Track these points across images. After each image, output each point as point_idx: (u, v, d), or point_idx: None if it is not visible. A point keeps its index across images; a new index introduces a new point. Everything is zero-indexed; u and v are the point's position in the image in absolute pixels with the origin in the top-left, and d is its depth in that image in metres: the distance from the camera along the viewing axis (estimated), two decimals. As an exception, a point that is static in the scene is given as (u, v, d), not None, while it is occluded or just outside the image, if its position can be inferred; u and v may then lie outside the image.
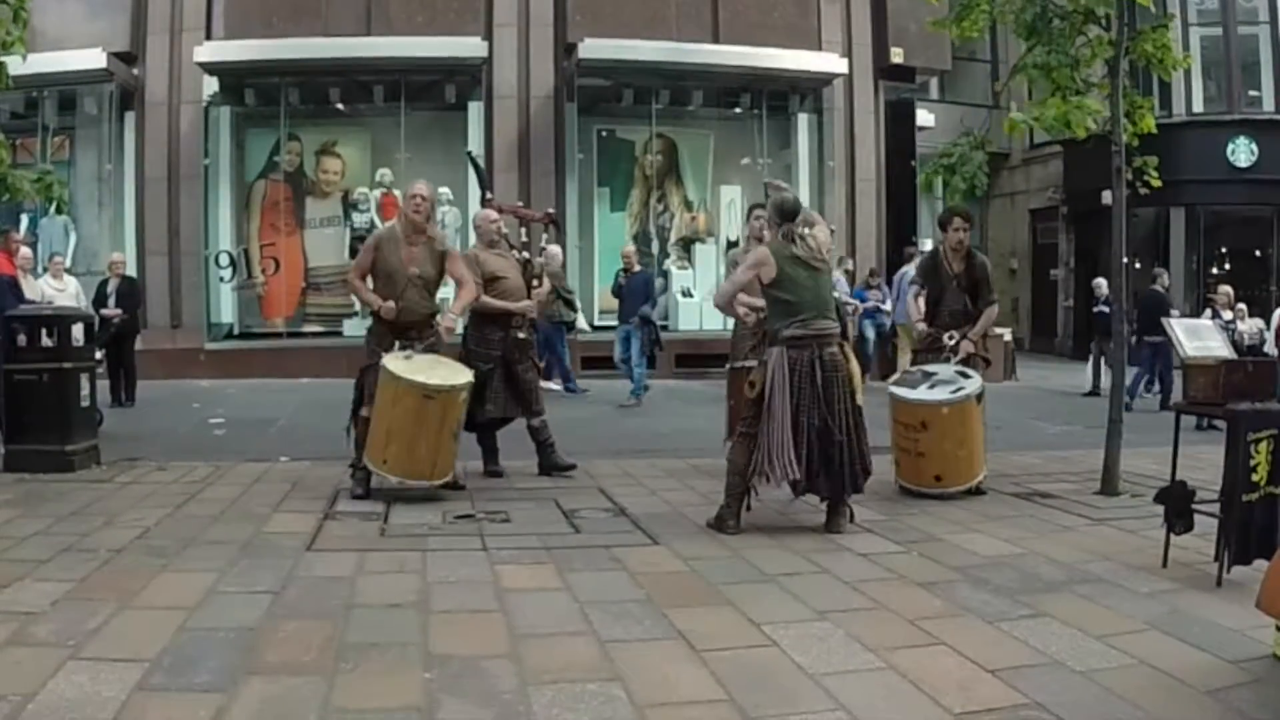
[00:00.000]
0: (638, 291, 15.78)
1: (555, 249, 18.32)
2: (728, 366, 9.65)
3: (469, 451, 9.09)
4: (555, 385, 16.18)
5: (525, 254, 9.78)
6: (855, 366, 7.41)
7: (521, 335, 9.27)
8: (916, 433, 8.47)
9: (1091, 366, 18.50)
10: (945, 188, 8.99)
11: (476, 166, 11.40)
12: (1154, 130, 9.41)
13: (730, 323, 9.98)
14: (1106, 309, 18.18)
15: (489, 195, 10.12)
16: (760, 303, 8.87)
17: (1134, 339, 17.55)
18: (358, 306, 18.19)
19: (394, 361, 7.98)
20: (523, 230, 9.99)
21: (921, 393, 8.60)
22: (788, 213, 7.44)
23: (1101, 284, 18.74)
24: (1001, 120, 9.23)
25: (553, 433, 9.37)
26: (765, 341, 7.52)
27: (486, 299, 8.93)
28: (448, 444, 8.13)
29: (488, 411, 9.06)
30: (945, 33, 11.15)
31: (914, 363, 9.45)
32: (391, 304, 8.21)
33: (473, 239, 19.12)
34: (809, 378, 7.04)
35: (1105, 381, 17.71)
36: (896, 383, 9.05)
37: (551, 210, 13.80)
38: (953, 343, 8.94)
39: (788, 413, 7.01)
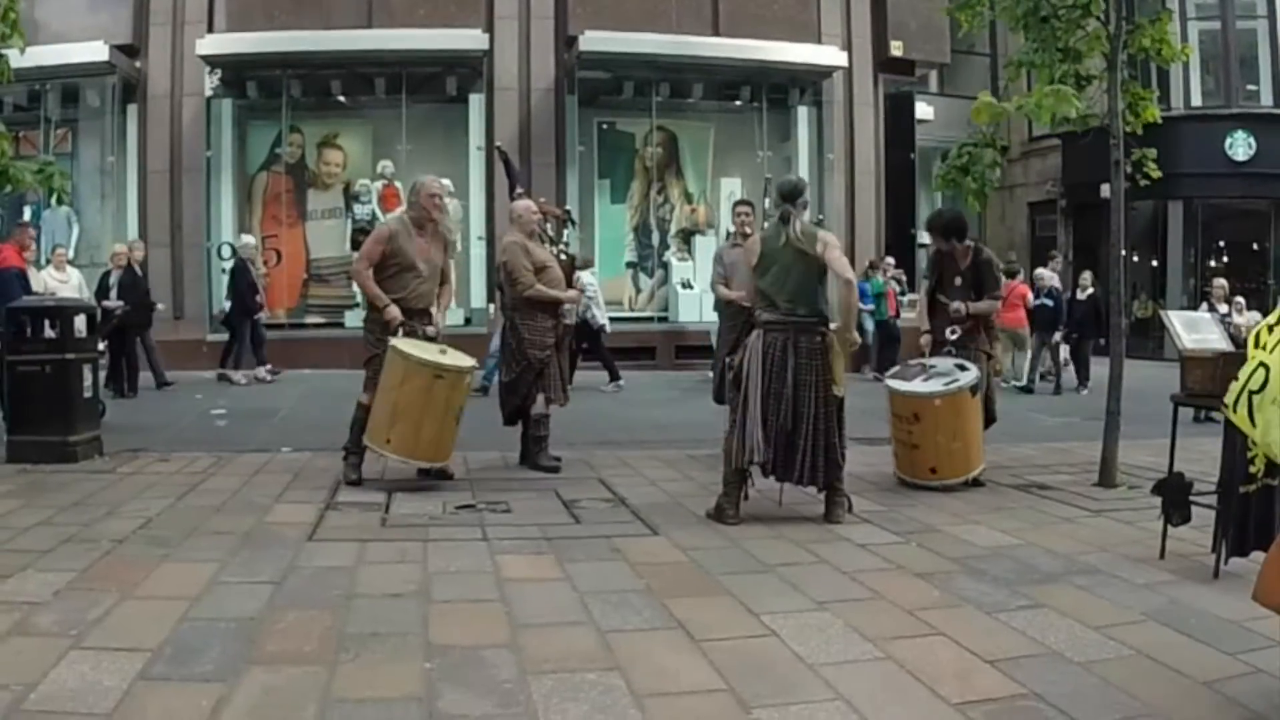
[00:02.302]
0: None
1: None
2: (725, 360, 9.69)
3: (465, 444, 9.12)
4: None
5: (560, 246, 9.86)
6: (838, 359, 7.35)
7: (568, 322, 9.44)
8: (910, 425, 8.49)
9: (1031, 360, 18.31)
10: (959, 188, 9.03)
11: (507, 161, 11.48)
12: (1157, 119, 9.44)
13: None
14: (1050, 302, 18.04)
15: (519, 190, 10.18)
16: (741, 294, 9.06)
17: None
18: (359, 298, 18.27)
19: (403, 343, 8.07)
20: (548, 225, 10.10)
21: (915, 385, 8.62)
22: (786, 193, 7.46)
23: (1044, 275, 18.59)
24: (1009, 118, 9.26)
25: (553, 424, 9.40)
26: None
27: (540, 288, 9.03)
28: (450, 427, 8.25)
29: (549, 400, 9.19)
30: (948, 21, 11.19)
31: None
32: (397, 311, 8.24)
33: (474, 231, 19.43)
34: (781, 363, 7.08)
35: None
36: (893, 375, 9.08)
37: (569, 209, 13.90)
38: (954, 337, 8.95)
39: (758, 394, 7.05)
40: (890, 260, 20.60)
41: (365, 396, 8.31)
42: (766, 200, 16.40)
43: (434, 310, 8.67)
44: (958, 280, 9.08)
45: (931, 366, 8.81)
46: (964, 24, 9.84)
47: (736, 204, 10.98)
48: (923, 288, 9.76)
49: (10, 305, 9.72)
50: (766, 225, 7.64)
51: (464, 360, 8.35)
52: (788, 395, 7.07)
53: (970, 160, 9.76)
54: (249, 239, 17.24)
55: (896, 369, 9.34)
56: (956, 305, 8.88)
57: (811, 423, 7.12)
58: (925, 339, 9.26)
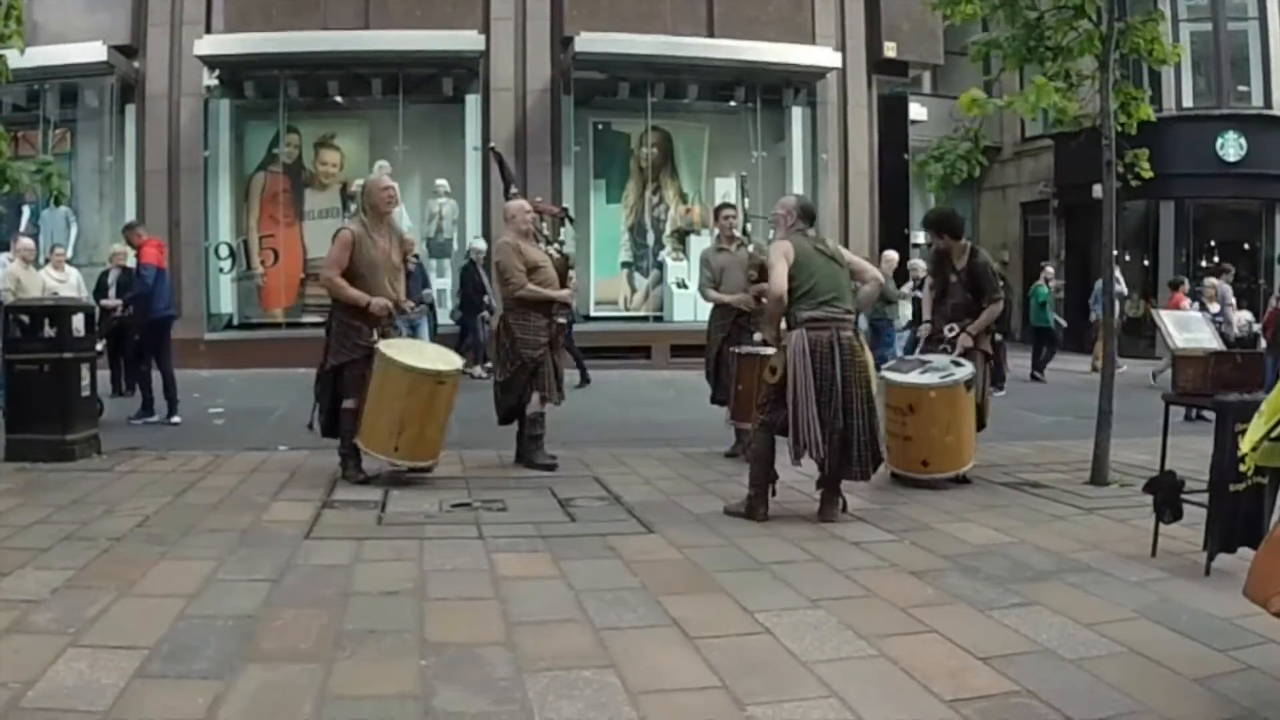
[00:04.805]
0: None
1: (891, 253, 18.49)
2: (732, 351, 9.72)
3: (461, 443, 9.15)
4: None
5: (555, 245, 9.89)
6: (869, 356, 7.52)
7: (561, 321, 9.47)
8: (904, 416, 8.55)
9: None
10: (928, 177, 9.15)
11: (500, 161, 11.49)
12: (1150, 118, 9.47)
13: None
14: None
15: (514, 190, 10.19)
16: (741, 296, 9.47)
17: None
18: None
19: (397, 352, 8.16)
20: (544, 224, 10.12)
21: (911, 377, 8.67)
22: (811, 216, 7.76)
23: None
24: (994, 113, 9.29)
25: (549, 423, 9.43)
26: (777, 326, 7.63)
27: (532, 287, 9.07)
28: (447, 425, 8.45)
29: (544, 399, 9.23)
30: (940, 21, 11.22)
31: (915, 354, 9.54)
32: (384, 300, 8.32)
33: (470, 231, 19.45)
34: (829, 359, 7.12)
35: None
36: (889, 367, 9.13)
37: (567, 207, 13.92)
38: (951, 335, 8.99)
39: (812, 392, 7.08)
40: None
41: (351, 402, 8.31)
42: (745, 200, 16.42)
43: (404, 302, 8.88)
44: (953, 278, 9.13)
45: (927, 362, 8.87)
46: (950, 16, 9.85)
47: (720, 207, 11.00)
48: (925, 283, 9.81)
49: (6, 305, 9.84)
50: (783, 235, 7.68)
51: (454, 360, 8.61)
52: (838, 391, 7.12)
53: (945, 150, 9.80)
54: (480, 244, 17.59)
55: (893, 362, 9.40)
56: (964, 340, 8.92)
57: (860, 418, 7.21)
58: (924, 328, 9.36)
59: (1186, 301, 18.47)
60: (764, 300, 8.27)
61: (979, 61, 10.19)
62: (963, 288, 9.10)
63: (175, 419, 12.01)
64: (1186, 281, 19.94)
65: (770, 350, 8.14)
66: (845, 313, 7.35)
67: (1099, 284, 20.91)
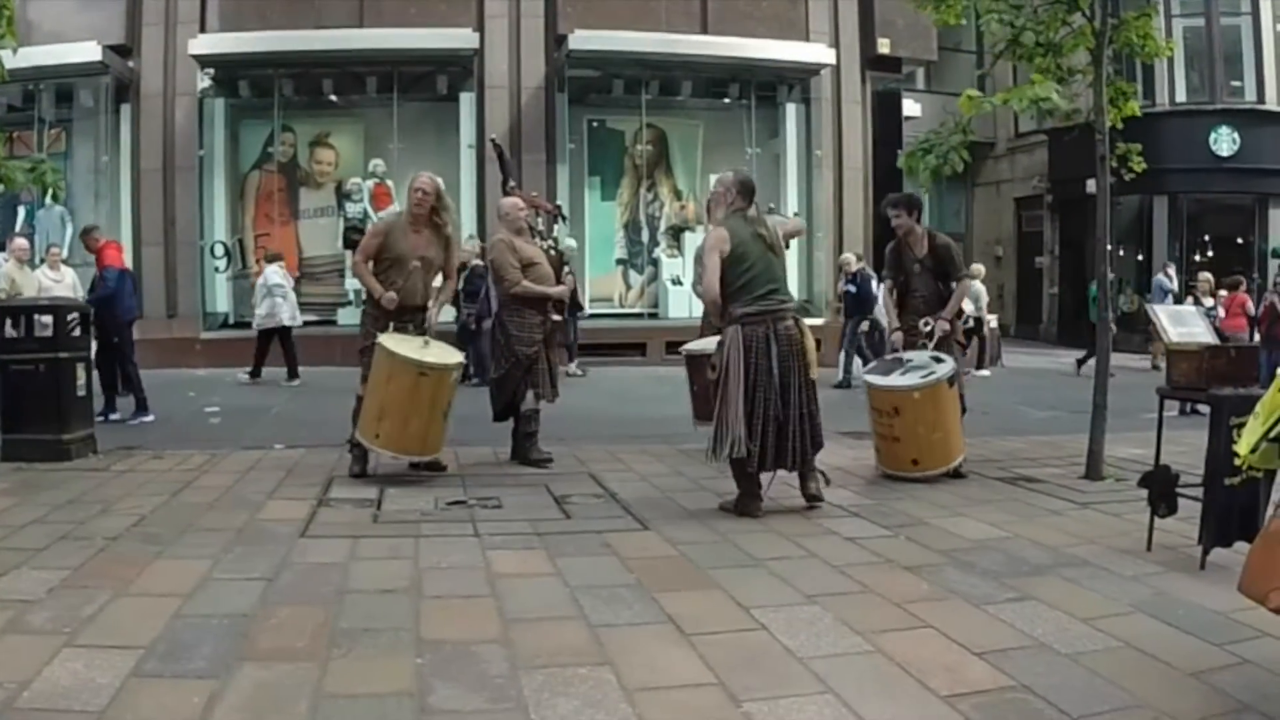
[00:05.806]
0: None
1: (979, 267, 18.66)
2: (679, 351, 9.73)
3: (456, 439, 9.14)
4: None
5: (549, 242, 9.88)
6: (811, 342, 7.42)
7: (556, 319, 9.47)
8: (890, 418, 8.57)
9: (845, 354, 17.51)
10: (921, 170, 9.14)
11: (501, 155, 11.48)
12: (1137, 114, 9.48)
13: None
14: (853, 288, 17.79)
15: (512, 184, 10.17)
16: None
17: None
18: (351, 295, 18.39)
19: (390, 339, 8.14)
20: (538, 219, 10.10)
21: (893, 379, 8.68)
22: (751, 191, 7.58)
23: (849, 259, 18.31)
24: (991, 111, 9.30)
25: (544, 419, 9.43)
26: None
27: (528, 284, 9.06)
28: (438, 422, 8.33)
29: (539, 396, 9.22)
30: (929, 20, 11.22)
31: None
32: (393, 295, 8.34)
33: (464, 230, 19.44)
34: (765, 353, 7.08)
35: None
36: (871, 370, 9.12)
37: (560, 204, 13.89)
38: (928, 328, 8.96)
39: (741, 389, 7.03)
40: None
41: (362, 388, 8.40)
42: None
43: (430, 304, 8.75)
44: (916, 268, 9.09)
45: (908, 360, 8.86)
46: (941, 16, 9.86)
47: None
48: (885, 285, 9.72)
49: (2, 305, 9.84)
50: (723, 217, 7.58)
51: (449, 357, 8.45)
52: (775, 385, 7.08)
53: (935, 142, 9.78)
54: (571, 242, 17.35)
55: (874, 364, 9.37)
56: (939, 325, 8.89)
57: (798, 408, 7.17)
58: (897, 336, 9.26)
59: (1249, 301, 18.22)
60: None
61: (1008, 72, 10.19)
62: (929, 276, 9.05)
63: (115, 415, 12.14)
64: (1244, 280, 19.66)
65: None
66: (781, 303, 7.30)
67: (1156, 279, 21.05)
